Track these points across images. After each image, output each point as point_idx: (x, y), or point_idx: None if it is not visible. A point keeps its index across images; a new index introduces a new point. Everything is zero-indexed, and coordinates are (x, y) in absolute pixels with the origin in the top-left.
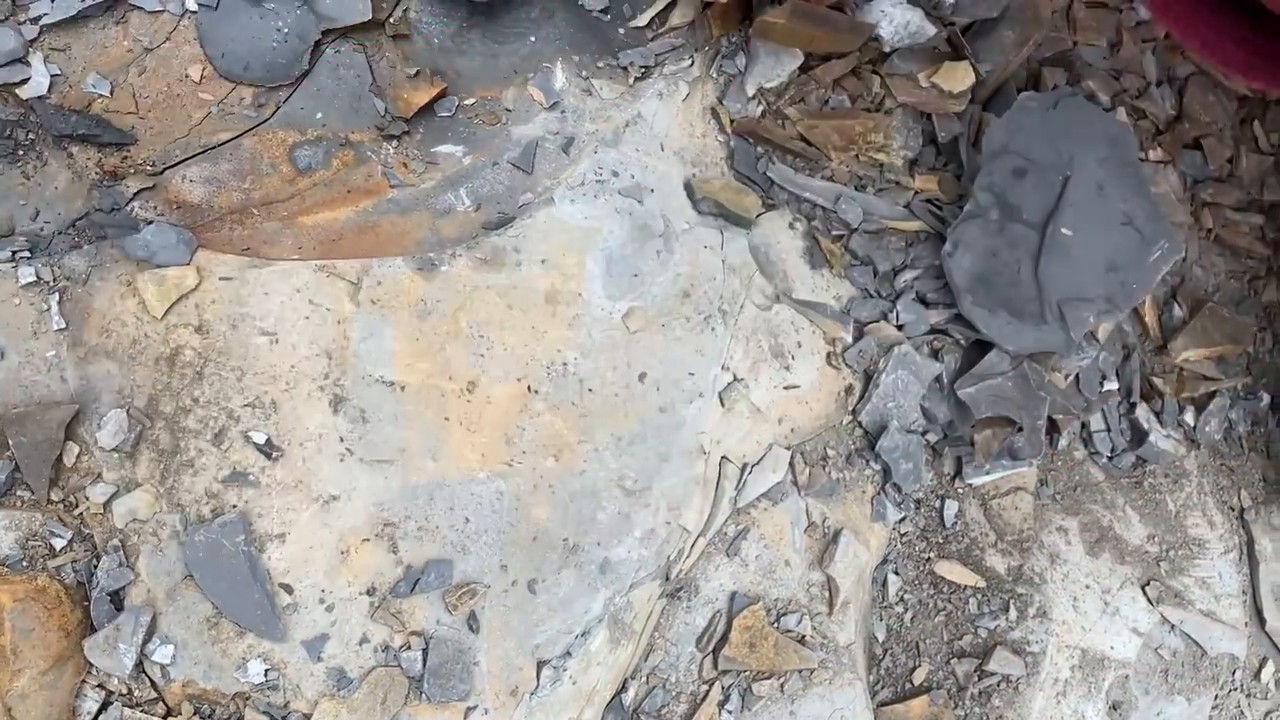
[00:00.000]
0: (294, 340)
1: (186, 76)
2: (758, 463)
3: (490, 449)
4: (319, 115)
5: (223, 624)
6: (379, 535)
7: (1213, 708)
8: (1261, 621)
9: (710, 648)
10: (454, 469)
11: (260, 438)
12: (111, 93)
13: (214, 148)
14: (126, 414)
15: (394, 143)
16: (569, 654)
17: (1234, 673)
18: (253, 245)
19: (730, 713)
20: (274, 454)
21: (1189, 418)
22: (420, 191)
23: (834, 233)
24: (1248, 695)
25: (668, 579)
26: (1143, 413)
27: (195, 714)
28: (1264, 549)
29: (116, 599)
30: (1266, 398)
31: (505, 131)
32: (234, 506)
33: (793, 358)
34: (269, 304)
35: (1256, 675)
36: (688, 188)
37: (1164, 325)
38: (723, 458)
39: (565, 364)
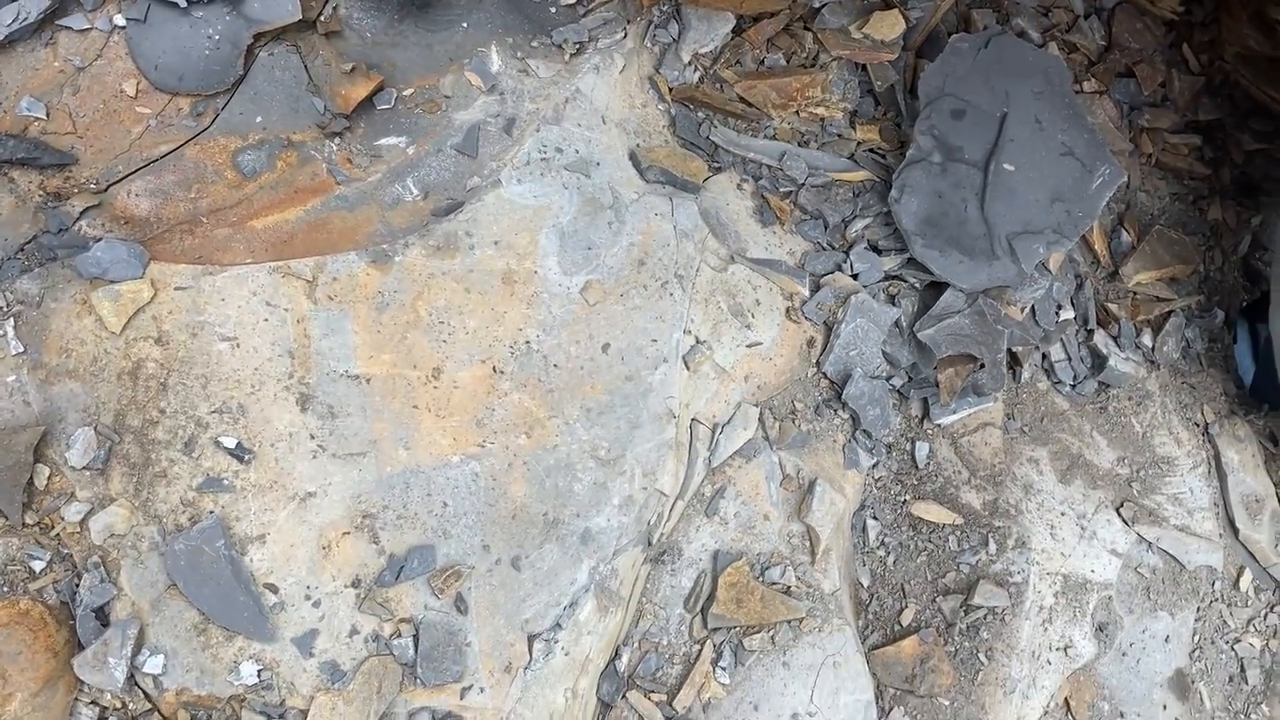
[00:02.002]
0: (255, 343)
1: (122, 92)
2: (728, 422)
3: (461, 432)
4: (259, 119)
5: (211, 629)
6: (359, 527)
7: (1196, 620)
8: (1235, 531)
9: (698, 608)
10: (427, 455)
11: (230, 442)
12: (47, 115)
13: (156, 160)
14: (94, 431)
15: (336, 140)
16: (559, 626)
17: (1213, 584)
18: (205, 253)
19: (724, 669)
20: (246, 457)
21: (1146, 340)
22: (367, 185)
23: (782, 190)
24: (1229, 604)
25: (650, 544)
26: (1100, 339)
27: None
28: (1230, 461)
29: (102, 615)
30: (1220, 314)
31: (446, 118)
32: (211, 512)
33: (753, 316)
34: (227, 310)
35: (1235, 584)
36: (633, 158)
37: (1114, 252)
38: (693, 420)
39: (528, 342)
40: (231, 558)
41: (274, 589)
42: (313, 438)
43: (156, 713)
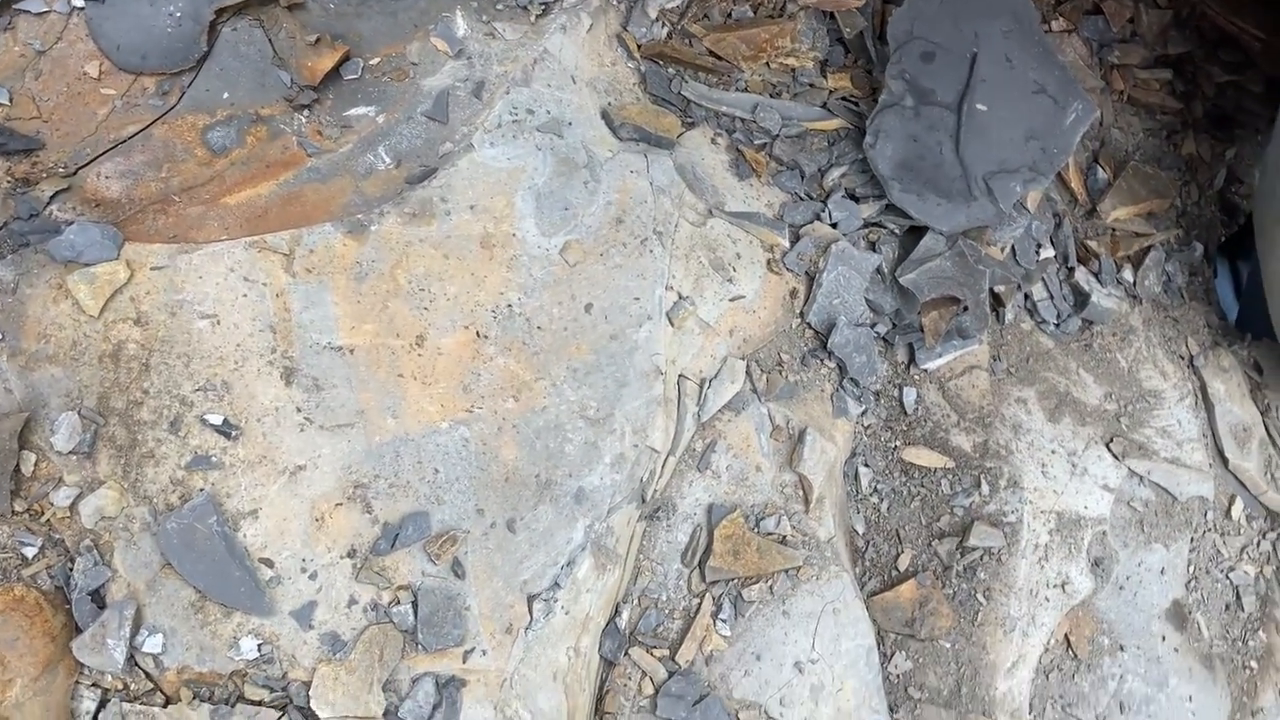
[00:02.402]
0: (235, 319)
1: (85, 74)
2: (715, 376)
3: (449, 399)
4: (226, 95)
5: (208, 606)
6: (351, 498)
7: (1190, 550)
8: (1224, 461)
9: (696, 562)
10: (415, 423)
11: (217, 419)
12: (11, 100)
13: (124, 141)
14: (78, 415)
15: (305, 112)
16: (557, 585)
17: (1206, 514)
18: (179, 232)
19: (725, 621)
20: (233, 433)
21: (1127, 275)
22: (339, 156)
23: (756, 142)
24: (1221, 534)
25: (644, 501)
26: (1082, 276)
27: (195, 698)
28: (1217, 391)
29: (98, 597)
30: (1200, 247)
31: (415, 86)
32: (201, 490)
33: (734, 269)
34: (205, 287)
35: (1227, 513)
36: (605, 116)
37: (1090, 190)
38: (680, 376)
39: (510, 305)
40: (225, 534)
41: (269, 563)
42: (299, 411)
43: (159, 691)
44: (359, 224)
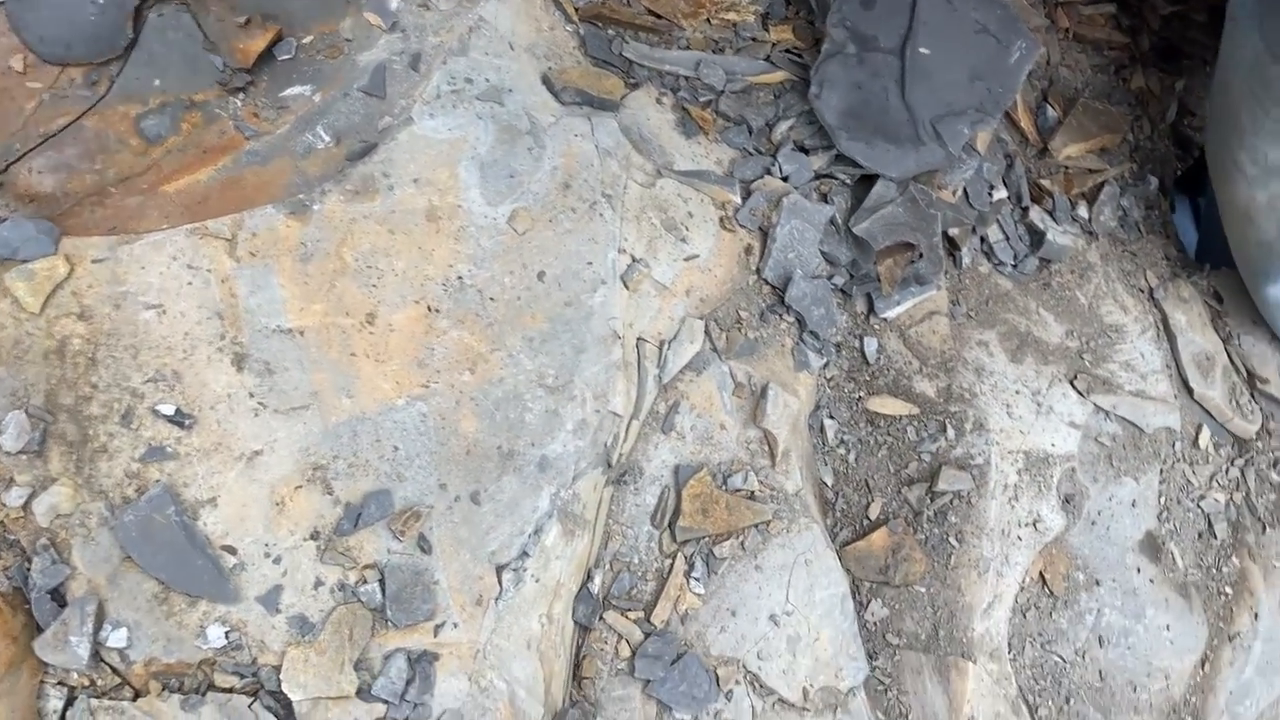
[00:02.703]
0: (181, 308)
1: (9, 69)
2: (674, 337)
3: (404, 375)
4: (157, 82)
5: (172, 597)
6: (310, 480)
7: (1160, 481)
8: (1189, 391)
9: (665, 523)
10: (371, 402)
11: (169, 409)
12: None
13: (55, 135)
14: (25, 414)
15: (240, 95)
16: (526, 554)
17: (1173, 444)
18: (118, 223)
19: (698, 580)
20: (186, 422)
21: (1082, 212)
22: (277, 138)
23: (701, 99)
24: (1190, 463)
25: (610, 466)
26: (1036, 215)
27: (164, 689)
28: (1178, 322)
29: (58, 595)
30: (1154, 181)
31: (350, 61)
32: (157, 481)
33: (687, 229)
34: (148, 277)
35: (1195, 443)
36: (546, 81)
37: (1041, 128)
38: (639, 339)
39: (460, 278)
40: (184, 523)
41: (232, 550)
42: (252, 396)
43: (127, 685)
44: (301, 204)
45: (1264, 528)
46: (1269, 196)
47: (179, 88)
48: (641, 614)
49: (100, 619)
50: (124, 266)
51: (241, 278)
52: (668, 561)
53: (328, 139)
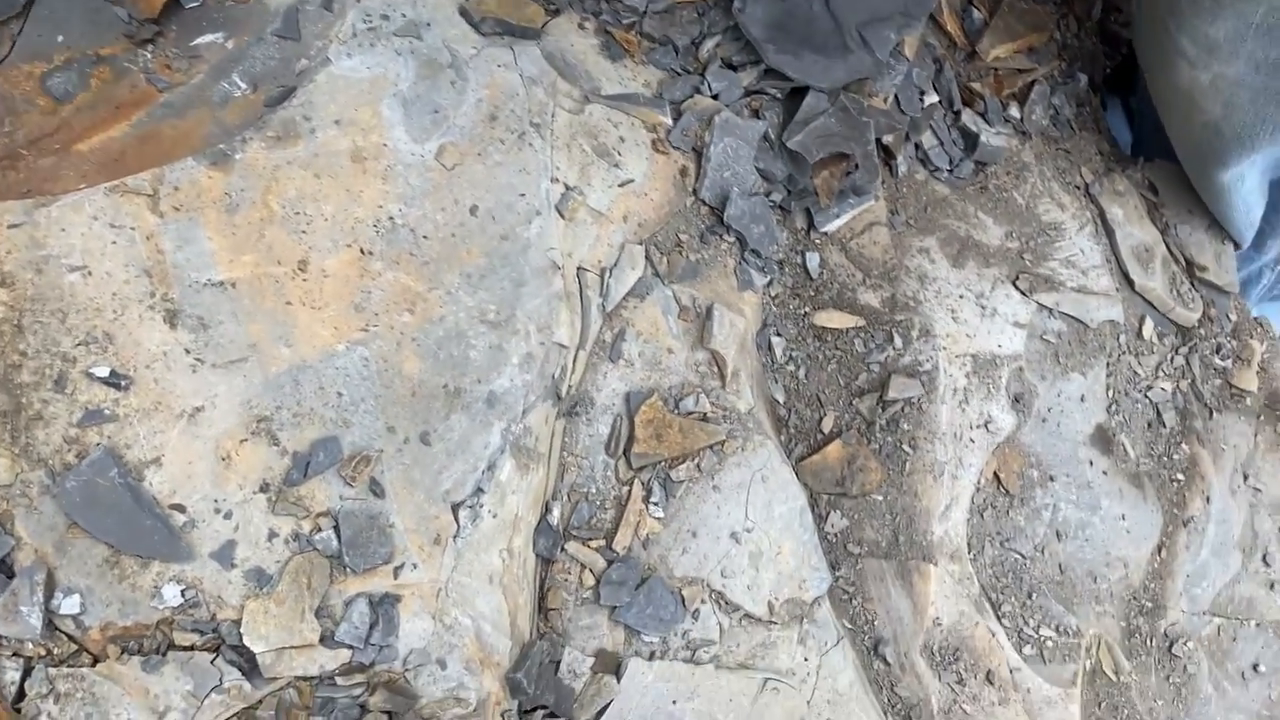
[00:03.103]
0: (107, 268)
1: None
2: (614, 265)
3: (341, 321)
4: (60, 38)
5: (123, 559)
6: (255, 433)
7: (1108, 375)
8: (1130, 284)
9: (620, 451)
10: (311, 349)
11: (103, 371)
12: None
13: None
14: None
15: (149, 47)
16: (481, 490)
17: (1118, 337)
18: (33, 185)
19: (656, 504)
20: (123, 383)
21: (1014, 112)
22: (191, 88)
23: (625, 21)
24: (1136, 355)
25: (559, 397)
26: (968, 117)
27: (124, 652)
28: (1115, 215)
29: (4, 566)
30: (1084, 78)
31: (261, 5)
32: (98, 444)
33: (619, 154)
34: (69, 239)
35: (1139, 334)
36: (464, 13)
37: (968, 31)
38: (579, 268)
39: (392, 218)
40: (129, 484)
41: (180, 508)
42: (188, 352)
43: (84, 652)
44: (222, 154)
45: (1211, 413)
46: (1211, 77)
47: (84, 42)
48: (603, 542)
49: (50, 587)
50: (43, 230)
51: (167, 233)
52: (625, 489)
53: (244, 86)
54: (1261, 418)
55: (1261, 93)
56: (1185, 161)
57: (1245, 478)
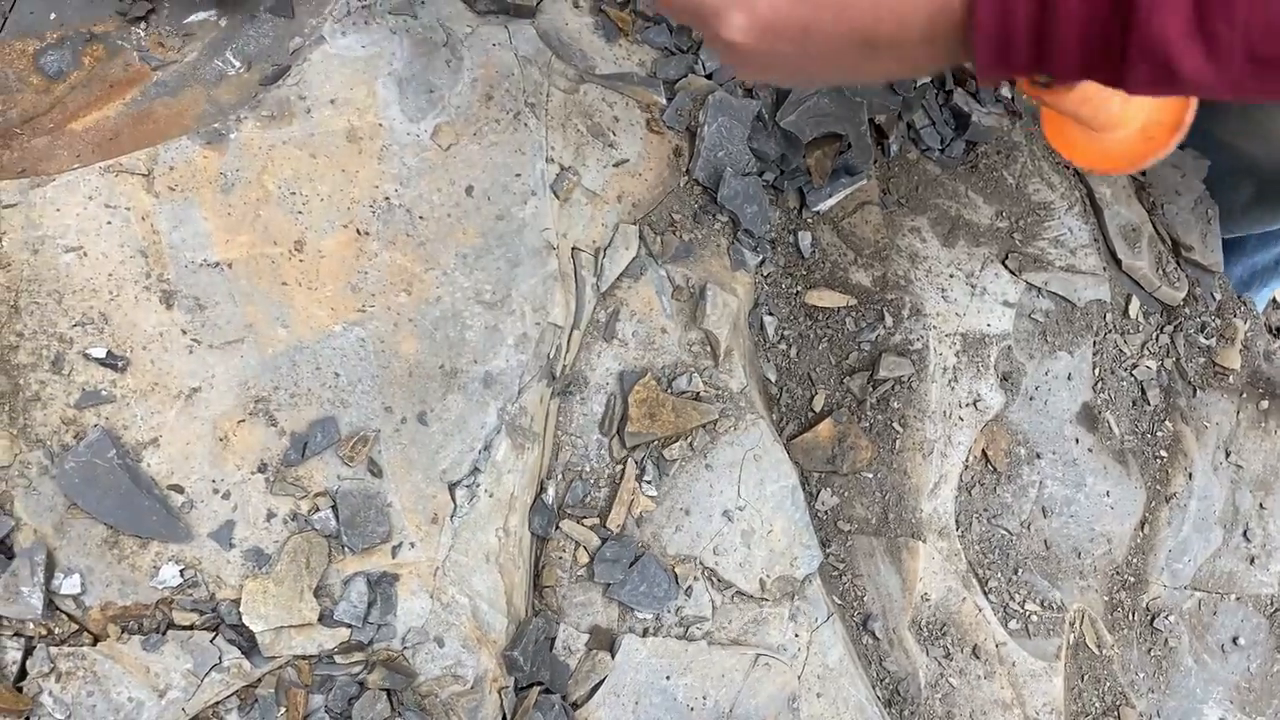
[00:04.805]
0: (103, 249)
1: None
2: (609, 244)
3: (338, 301)
4: (53, 15)
5: (123, 540)
6: (253, 413)
7: (1094, 353)
8: (1118, 263)
9: (614, 430)
10: (307, 330)
11: (100, 352)
12: None
13: None
14: None
15: (142, 24)
16: (477, 470)
17: (1105, 316)
18: (28, 165)
19: (650, 483)
20: (120, 364)
21: (1005, 91)
22: (185, 66)
23: (619, 0)
24: (1122, 333)
25: (554, 377)
26: (960, 97)
27: (124, 632)
28: (1104, 195)
29: (4, 547)
30: None
31: None
32: (96, 425)
33: (613, 134)
34: (65, 219)
35: (1125, 313)
36: None
37: None
38: (574, 249)
39: (388, 198)
40: (127, 465)
41: (179, 489)
42: (185, 333)
43: (85, 631)
44: (217, 133)
45: (1194, 391)
46: None
47: (77, 20)
48: (597, 520)
49: (51, 568)
50: (38, 210)
51: (162, 213)
52: (619, 467)
53: (238, 64)
54: (1244, 395)
55: None
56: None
57: (1227, 455)
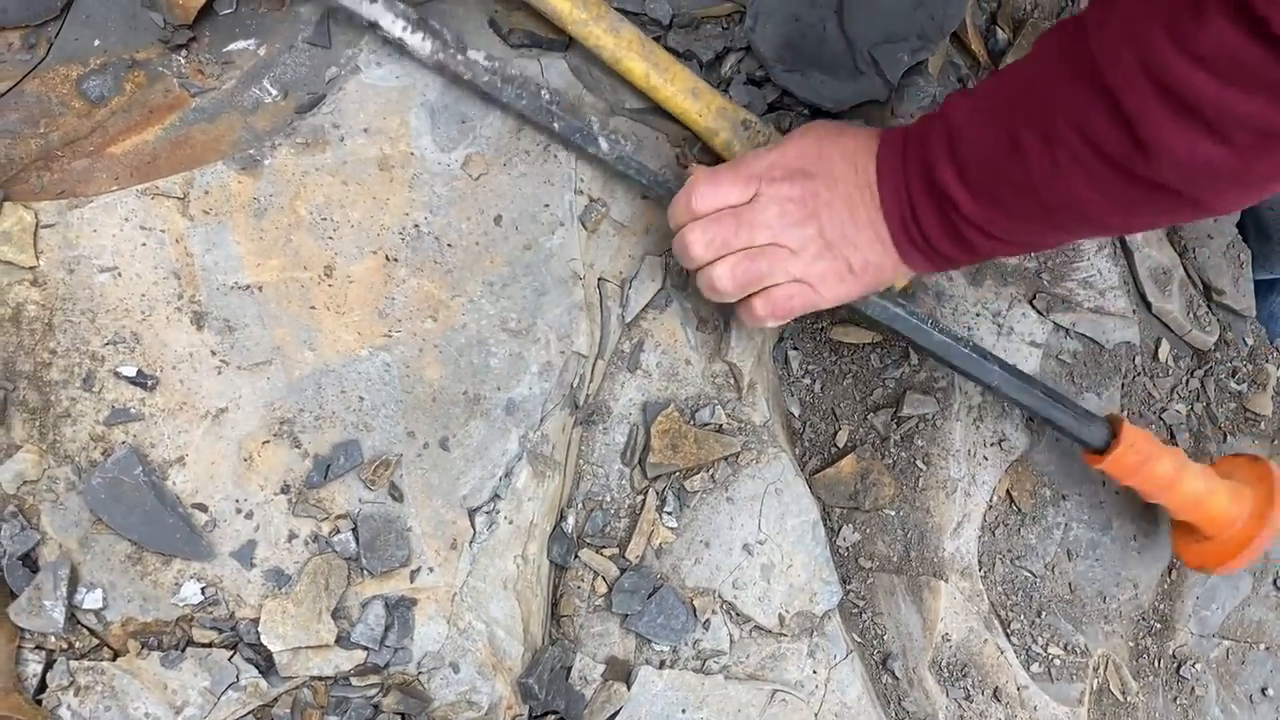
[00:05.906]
0: (137, 269)
1: None
2: (635, 276)
3: (365, 326)
4: (97, 42)
5: (146, 556)
6: (278, 435)
7: (1122, 395)
8: (1147, 306)
9: (635, 460)
10: (334, 354)
11: (130, 371)
12: None
13: None
14: None
15: (183, 52)
16: (498, 497)
17: (1134, 359)
18: (67, 187)
19: (670, 514)
20: (149, 383)
21: None
22: (223, 94)
23: (650, 35)
24: (1151, 376)
25: (577, 407)
26: None
27: (143, 648)
28: (1134, 238)
29: (29, 561)
30: None
31: (293, 13)
32: (123, 443)
33: None
34: (100, 240)
35: (1154, 356)
36: (493, 24)
37: (991, 51)
38: (600, 279)
39: (417, 226)
40: (153, 483)
41: (203, 508)
42: (214, 354)
43: (105, 646)
44: (252, 159)
45: (1225, 436)
46: None
47: (120, 47)
48: (616, 550)
49: (74, 582)
50: (75, 230)
51: (196, 236)
52: (640, 498)
53: (275, 92)
54: (1275, 442)
55: None
56: None
57: None
